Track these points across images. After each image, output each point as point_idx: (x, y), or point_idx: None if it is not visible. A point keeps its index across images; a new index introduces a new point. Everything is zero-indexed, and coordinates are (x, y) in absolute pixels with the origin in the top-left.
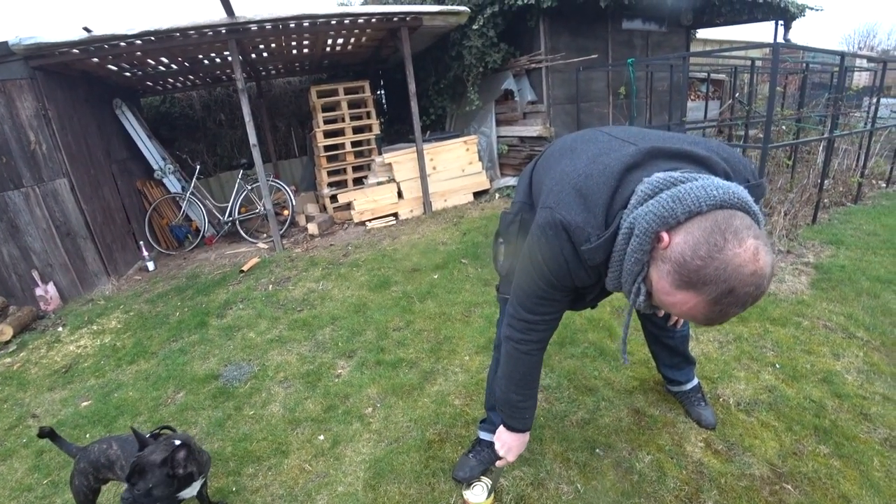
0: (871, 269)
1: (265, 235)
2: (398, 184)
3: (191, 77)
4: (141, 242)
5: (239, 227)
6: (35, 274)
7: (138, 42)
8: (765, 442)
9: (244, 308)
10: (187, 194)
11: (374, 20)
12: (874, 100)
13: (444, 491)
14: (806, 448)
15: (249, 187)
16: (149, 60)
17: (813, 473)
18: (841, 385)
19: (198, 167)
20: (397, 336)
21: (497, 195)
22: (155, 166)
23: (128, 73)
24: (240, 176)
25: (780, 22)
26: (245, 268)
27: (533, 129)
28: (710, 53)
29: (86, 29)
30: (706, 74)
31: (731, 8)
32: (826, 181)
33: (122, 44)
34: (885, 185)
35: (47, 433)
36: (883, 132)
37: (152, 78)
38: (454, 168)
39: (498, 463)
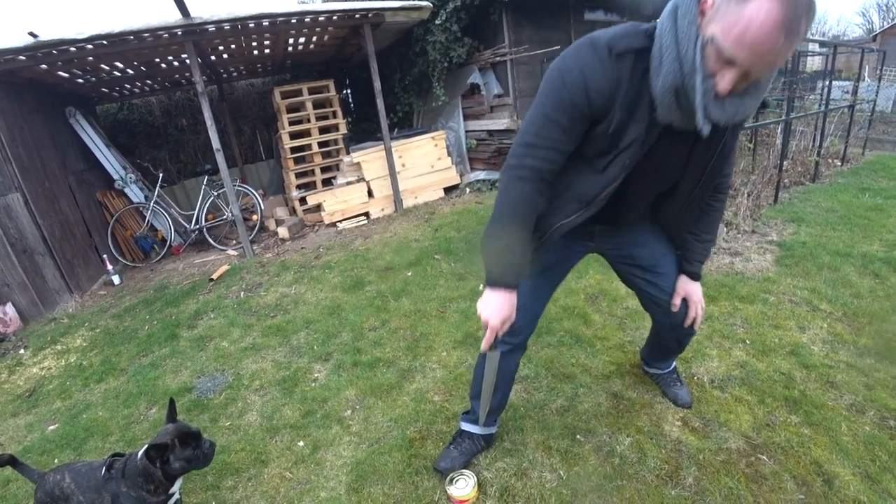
0: (831, 244)
1: (234, 242)
2: (368, 183)
3: (148, 82)
4: (104, 256)
5: (207, 235)
6: None
7: (89, 47)
8: (739, 416)
9: (215, 317)
10: (151, 203)
11: (335, 17)
12: (826, 83)
13: (428, 488)
14: (778, 419)
15: (216, 193)
16: (102, 66)
17: (786, 443)
18: (808, 356)
19: (160, 175)
20: (373, 336)
21: (468, 189)
22: (115, 176)
23: (80, 80)
24: (205, 182)
25: None
26: (215, 276)
27: (501, 123)
28: None
29: (31, 34)
30: None
31: None
32: (785, 162)
33: (72, 49)
34: (840, 163)
35: (6, 461)
36: (836, 113)
37: (107, 84)
38: (423, 164)
39: (483, 343)
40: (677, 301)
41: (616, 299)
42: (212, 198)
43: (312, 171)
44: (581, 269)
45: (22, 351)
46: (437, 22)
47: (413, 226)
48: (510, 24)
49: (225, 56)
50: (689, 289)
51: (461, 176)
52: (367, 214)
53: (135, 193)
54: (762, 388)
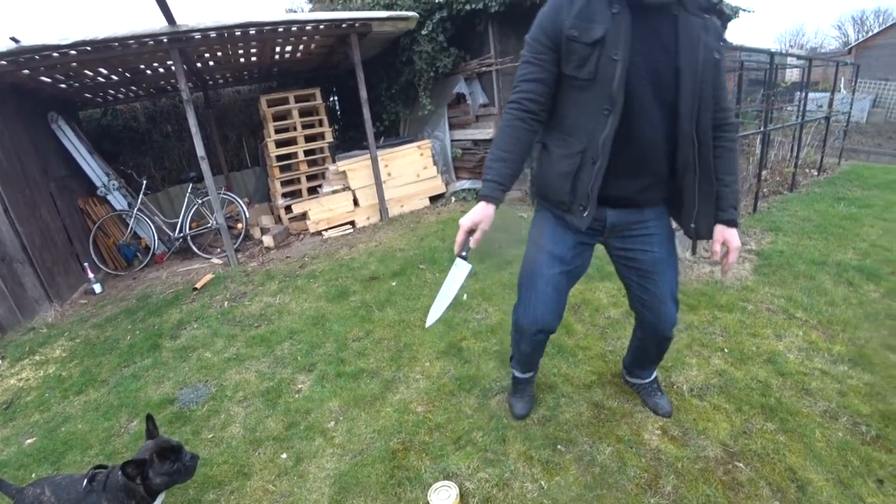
0: (807, 252)
1: (219, 250)
2: (353, 192)
3: (133, 88)
4: (86, 264)
5: (191, 243)
6: None
7: (72, 53)
8: (717, 424)
9: (199, 327)
10: (134, 211)
11: (321, 27)
12: (802, 95)
13: (411, 499)
14: (754, 426)
15: (200, 201)
16: (86, 72)
17: (762, 450)
18: (784, 364)
19: (144, 182)
20: (357, 346)
21: (453, 198)
22: (98, 183)
23: (63, 86)
24: (189, 190)
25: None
26: (198, 285)
27: (486, 132)
28: None
29: (13, 39)
30: None
31: None
32: (764, 172)
33: (55, 54)
34: (816, 173)
35: None
36: (812, 124)
37: (91, 90)
38: (409, 173)
39: (460, 242)
40: (717, 248)
41: (598, 309)
42: (196, 205)
43: (298, 180)
44: None
45: (0, 361)
46: (424, 32)
47: (398, 235)
48: (496, 34)
49: (211, 63)
50: (728, 235)
51: (447, 185)
52: (352, 223)
53: (117, 200)
54: (740, 396)
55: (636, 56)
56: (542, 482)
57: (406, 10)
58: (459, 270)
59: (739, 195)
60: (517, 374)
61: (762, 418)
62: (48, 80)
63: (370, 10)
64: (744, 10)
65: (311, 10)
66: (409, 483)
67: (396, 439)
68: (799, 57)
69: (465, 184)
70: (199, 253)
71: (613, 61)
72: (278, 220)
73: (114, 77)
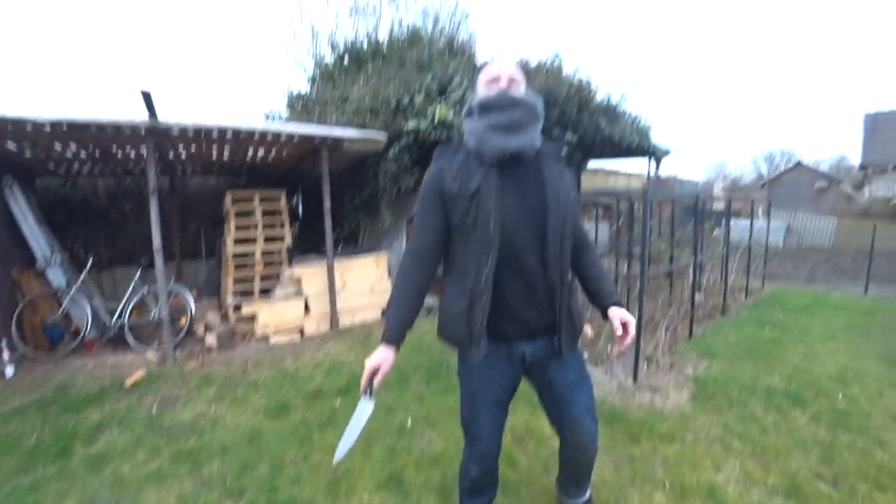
0: (739, 377)
1: (157, 344)
2: (306, 298)
3: (100, 165)
4: (3, 341)
5: (128, 333)
6: None
7: (47, 129)
8: None
9: (121, 433)
10: (73, 290)
11: (296, 139)
12: (724, 227)
13: None
14: None
15: (147, 289)
16: (56, 145)
17: None
18: (723, 497)
19: (91, 260)
20: (293, 472)
21: None
22: (39, 255)
23: (28, 154)
24: (138, 275)
25: (652, 159)
26: (128, 383)
27: None
28: (598, 193)
29: None
30: (596, 201)
31: (612, 150)
32: (698, 296)
33: (29, 128)
34: (744, 296)
35: None
36: (736, 252)
37: (55, 161)
38: (364, 285)
39: (366, 383)
40: (617, 323)
41: (542, 439)
42: (142, 293)
43: (252, 279)
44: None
45: None
46: (391, 154)
47: (347, 347)
48: None
49: (183, 155)
50: (621, 313)
51: None
52: (301, 330)
53: (57, 277)
54: None
55: (509, 202)
56: None
57: (377, 130)
58: (363, 411)
59: (613, 287)
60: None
61: None
62: (14, 147)
63: (344, 127)
64: (669, 151)
65: (287, 118)
66: None
67: None
68: (724, 188)
69: None
70: (134, 344)
71: (488, 209)
72: (225, 317)
73: (83, 153)
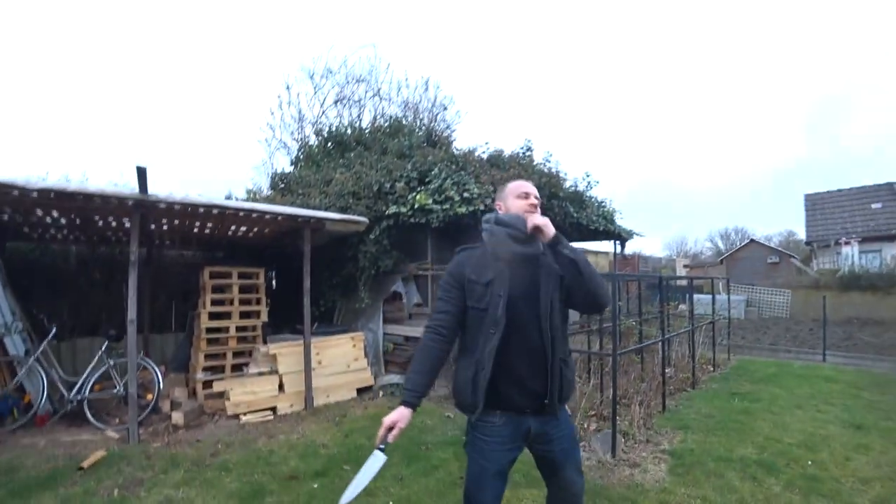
0: (714, 449)
1: (117, 421)
2: (281, 376)
3: (76, 233)
4: None
5: (86, 408)
6: None
7: (34, 196)
8: None
9: None
10: (31, 359)
11: (279, 218)
12: (689, 303)
13: None
14: None
15: (112, 362)
16: (37, 210)
17: None
18: None
19: (53, 330)
20: None
21: (381, 392)
22: None
23: (6, 217)
24: (103, 348)
25: (617, 242)
26: (86, 464)
27: (418, 330)
28: None
29: None
30: None
31: (580, 234)
32: (669, 370)
33: (15, 193)
34: (712, 368)
35: None
36: (701, 327)
37: (32, 224)
38: (340, 363)
39: (382, 437)
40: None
41: None
42: (106, 366)
43: (224, 355)
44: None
45: None
46: (371, 236)
47: (322, 428)
48: (434, 244)
49: (165, 228)
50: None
51: (375, 377)
52: (274, 409)
53: (15, 345)
54: None
55: (515, 289)
56: None
57: (359, 214)
58: (376, 461)
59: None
60: None
61: None
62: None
63: (326, 209)
64: (637, 235)
65: (269, 196)
66: None
67: None
68: (685, 265)
69: (394, 378)
70: (93, 421)
71: (499, 296)
72: (193, 394)
73: (62, 220)
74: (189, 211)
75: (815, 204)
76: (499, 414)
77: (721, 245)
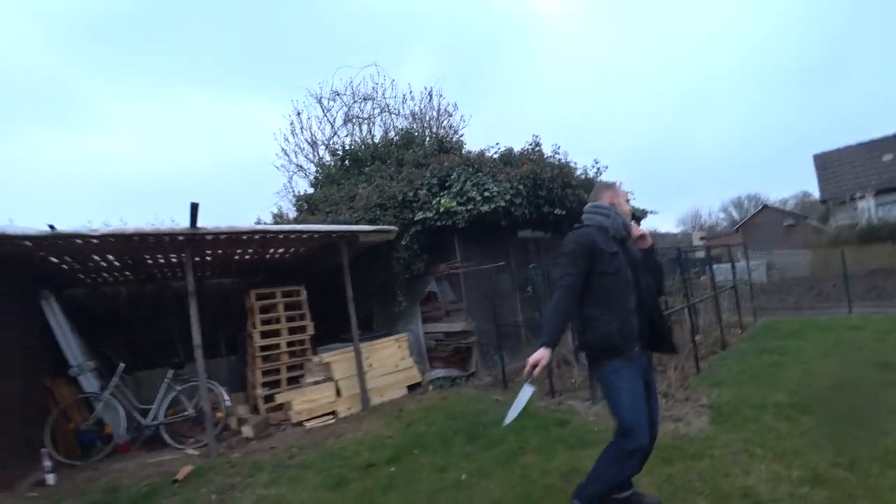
0: (749, 399)
1: (192, 440)
2: (336, 382)
3: (126, 273)
4: (44, 450)
5: (163, 432)
6: None
7: (94, 241)
8: None
9: None
10: (106, 394)
11: (316, 236)
12: (709, 272)
13: None
14: None
15: (179, 388)
16: (94, 256)
17: None
18: (758, 496)
19: (122, 365)
20: None
21: (430, 386)
22: (73, 362)
23: (65, 266)
24: (170, 375)
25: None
26: (179, 476)
27: (456, 325)
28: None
29: (51, 227)
30: None
31: None
32: (698, 337)
33: (78, 241)
34: (740, 331)
35: None
36: (724, 293)
37: (87, 271)
38: (388, 364)
39: (528, 373)
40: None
41: (586, 474)
42: (175, 392)
43: (279, 370)
44: (549, 450)
45: None
46: (403, 242)
47: (383, 423)
48: (461, 244)
49: (208, 258)
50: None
51: (422, 374)
52: (334, 413)
53: (89, 382)
54: None
55: (629, 263)
56: None
57: (387, 223)
58: (526, 392)
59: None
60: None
61: None
62: (55, 259)
63: (356, 223)
64: (651, 212)
65: (296, 218)
66: None
67: None
68: (702, 238)
69: (440, 372)
70: (172, 443)
71: (626, 265)
72: (254, 409)
73: (116, 262)
74: (234, 238)
75: (826, 163)
76: (637, 351)
77: (735, 214)
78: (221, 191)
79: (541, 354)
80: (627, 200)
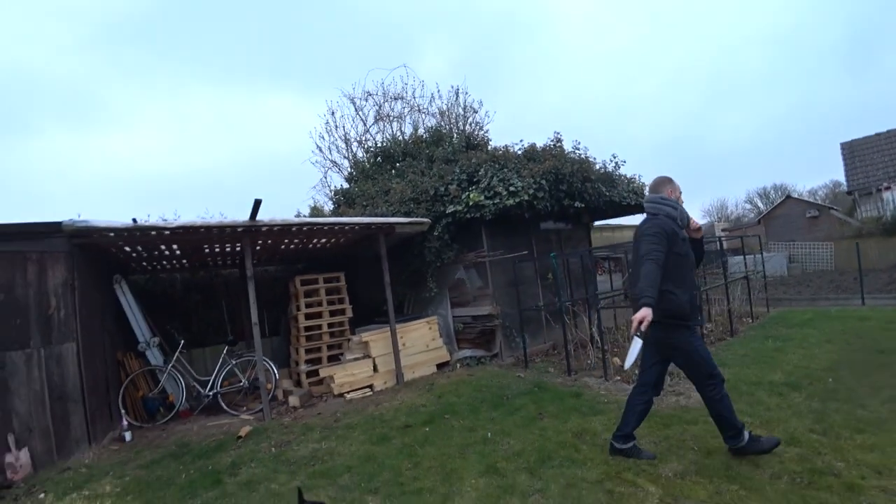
0: (747, 377)
1: (245, 409)
2: (374, 359)
3: (184, 261)
4: (123, 412)
5: (220, 400)
6: (10, 438)
7: (167, 233)
8: (696, 492)
9: (256, 467)
10: (169, 366)
11: (357, 227)
12: (722, 263)
13: None
14: (724, 489)
15: (234, 362)
16: (162, 246)
17: (729, 500)
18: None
19: (182, 341)
20: (410, 473)
21: (458, 365)
22: (141, 339)
23: (135, 254)
24: (225, 351)
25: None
26: (242, 433)
27: (483, 309)
28: (607, 247)
29: (134, 220)
30: (607, 255)
31: (614, 211)
32: (708, 325)
33: (153, 233)
34: (750, 320)
35: None
36: (736, 282)
37: (151, 259)
38: (420, 344)
39: (636, 328)
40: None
41: (595, 434)
42: (230, 366)
43: (319, 349)
44: (564, 416)
45: (42, 495)
46: (435, 233)
47: (417, 395)
48: (487, 234)
49: (258, 248)
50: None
51: (451, 354)
52: (371, 387)
53: (154, 357)
54: (710, 474)
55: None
56: None
57: (420, 216)
58: (636, 343)
59: None
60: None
61: (728, 483)
62: (129, 248)
63: (393, 216)
64: None
65: (332, 211)
66: None
67: None
68: (724, 230)
69: (467, 352)
70: (227, 409)
71: (689, 249)
72: (297, 384)
73: (178, 252)
74: (285, 230)
75: (853, 151)
76: (699, 319)
77: (760, 205)
78: (244, 186)
79: (644, 312)
80: (680, 194)
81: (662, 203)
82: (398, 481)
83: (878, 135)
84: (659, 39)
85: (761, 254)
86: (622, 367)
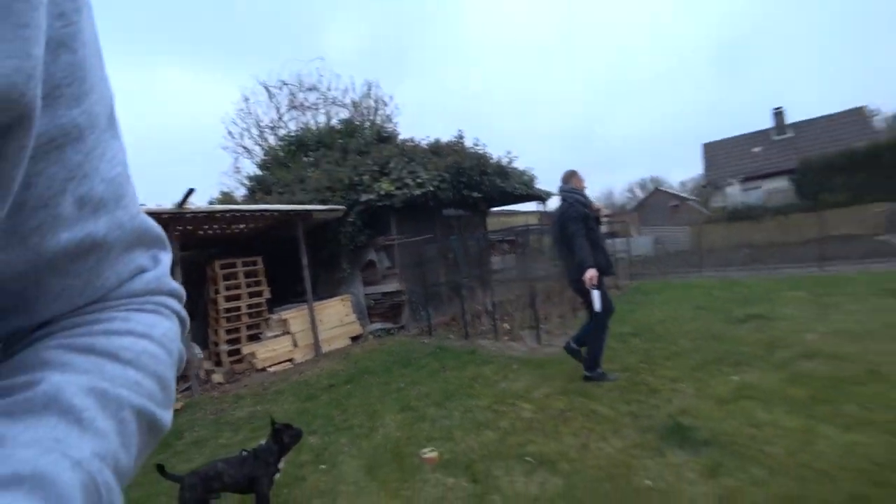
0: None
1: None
2: (293, 335)
3: None
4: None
5: None
6: None
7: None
8: (557, 403)
9: (199, 430)
10: None
11: (278, 214)
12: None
13: (413, 466)
14: (568, 388)
15: None
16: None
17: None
18: (574, 372)
19: None
20: (341, 417)
21: (370, 336)
22: None
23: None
24: None
25: (539, 202)
26: (177, 407)
27: (392, 287)
28: (502, 231)
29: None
30: (502, 238)
31: (507, 199)
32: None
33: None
34: (617, 290)
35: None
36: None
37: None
38: (335, 320)
39: (590, 284)
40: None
41: (486, 378)
42: None
43: (238, 329)
44: (462, 368)
45: None
46: (349, 219)
47: (335, 363)
48: (396, 221)
49: (176, 234)
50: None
51: (363, 328)
52: (291, 360)
53: None
54: (568, 392)
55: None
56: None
57: (335, 203)
58: (595, 293)
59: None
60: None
61: (579, 397)
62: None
63: (310, 203)
64: (554, 194)
65: (245, 197)
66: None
67: (395, 443)
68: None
69: (378, 325)
70: None
71: (594, 225)
72: (218, 363)
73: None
74: (210, 216)
75: (711, 151)
76: (612, 271)
77: (640, 194)
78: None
79: (592, 272)
80: (584, 182)
81: (572, 192)
82: (332, 424)
83: (730, 139)
84: (572, 38)
85: (628, 237)
86: (510, 329)
